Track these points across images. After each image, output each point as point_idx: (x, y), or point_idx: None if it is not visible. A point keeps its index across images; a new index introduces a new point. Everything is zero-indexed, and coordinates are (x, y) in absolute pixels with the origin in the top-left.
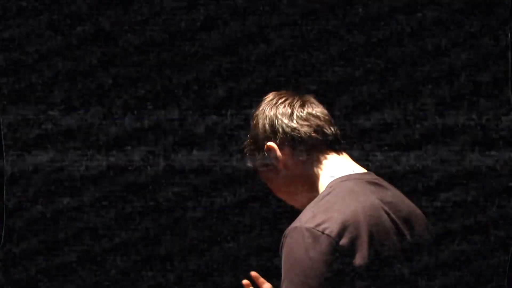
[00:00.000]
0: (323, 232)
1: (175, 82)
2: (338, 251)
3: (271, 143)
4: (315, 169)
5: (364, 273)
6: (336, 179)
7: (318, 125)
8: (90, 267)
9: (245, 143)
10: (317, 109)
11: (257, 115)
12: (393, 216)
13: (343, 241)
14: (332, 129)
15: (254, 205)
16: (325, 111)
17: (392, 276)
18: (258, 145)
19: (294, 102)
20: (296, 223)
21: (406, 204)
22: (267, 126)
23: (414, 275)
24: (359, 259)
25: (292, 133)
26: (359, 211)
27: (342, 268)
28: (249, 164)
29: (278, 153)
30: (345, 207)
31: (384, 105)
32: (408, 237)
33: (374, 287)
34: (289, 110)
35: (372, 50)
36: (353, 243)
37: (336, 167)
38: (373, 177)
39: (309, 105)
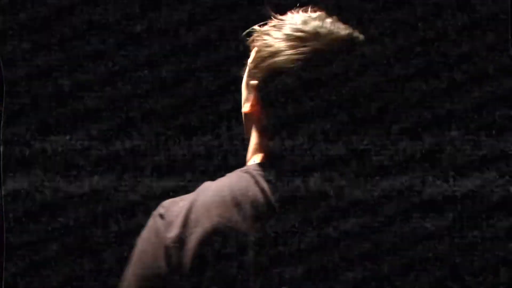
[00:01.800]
0: (162, 219)
1: None
2: (169, 244)
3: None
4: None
5: (192, 271)
6: (247, 166)
7: None
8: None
9: None
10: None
11: None
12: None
13: (174, 237)
14: None
15: None
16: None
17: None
18: None
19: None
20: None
21: None
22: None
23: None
24: (187, 257)
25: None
26: (215, 213)
27: (169, 262)
28: None
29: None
30: (206, 203)
31: None
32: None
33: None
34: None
35: None
36: (184, 239)
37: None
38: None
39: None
